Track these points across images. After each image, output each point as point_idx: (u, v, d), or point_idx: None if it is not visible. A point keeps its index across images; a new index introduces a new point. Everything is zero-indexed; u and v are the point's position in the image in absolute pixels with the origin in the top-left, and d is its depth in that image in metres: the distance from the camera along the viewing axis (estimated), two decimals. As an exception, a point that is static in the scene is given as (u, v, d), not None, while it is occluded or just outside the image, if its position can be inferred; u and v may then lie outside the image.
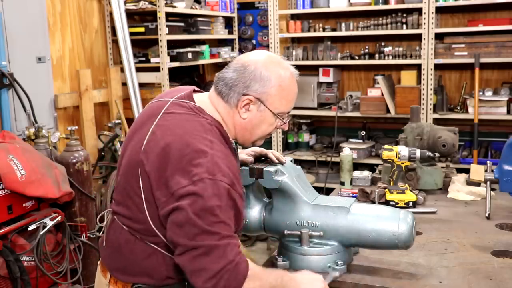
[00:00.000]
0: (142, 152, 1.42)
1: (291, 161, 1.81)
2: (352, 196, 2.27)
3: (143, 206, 1.41)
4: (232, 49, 5.34)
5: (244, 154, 1.79)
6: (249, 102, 1.48)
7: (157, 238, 1.43)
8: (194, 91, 1.58)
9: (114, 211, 1.52)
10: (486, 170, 2.22)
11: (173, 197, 1.33)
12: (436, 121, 4.35)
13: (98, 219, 1.59)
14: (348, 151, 2.56)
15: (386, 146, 2.31)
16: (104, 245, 1.56)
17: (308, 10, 4.82)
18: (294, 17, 5.18)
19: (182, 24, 4.52)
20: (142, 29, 4.20)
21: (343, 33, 4.71)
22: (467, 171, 2.56)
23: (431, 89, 4.36)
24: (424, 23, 4.30)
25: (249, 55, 1.54)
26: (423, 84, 4.37)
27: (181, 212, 1.31)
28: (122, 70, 4.14)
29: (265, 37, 5.43)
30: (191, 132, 1.39)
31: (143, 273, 1.46)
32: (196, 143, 1.37)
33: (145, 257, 1.45)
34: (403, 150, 2.25)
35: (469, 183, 2.36)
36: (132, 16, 4.44)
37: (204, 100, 1.54)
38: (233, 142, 1.57)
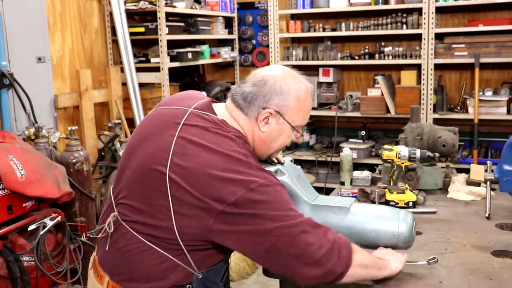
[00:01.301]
0: (171, 167, 1.38)
1: (291, 161, 1.81)
2: (352, 196, 2.27)
3: (171, 217, 1.38)
4: (232, 49, 5.34)
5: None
6: (269, 116, 1.50)
7: (176, 246, 1.41)
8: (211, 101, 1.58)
9: (126, 218, 1.48)
10: (486, 170, 2.22)
11: (233, 206, 1.33)
12: (436, 121, 4.36)
13: (106, 222, 1.54)
14: (348, 151, 2.56)
15: (386, 146, 2.31)
16: (106, 249, 1.52)
17: (308, 10, 4.82)
18: (294, 17, 5.19)
19: (182, 24, 4.52)
20: (142, 29, 4.20)
21: (343, 33, 4.71)
22: (467, 171, 2.55)
23: (431, 89, 4.37)
24: (424, 23, 4.30)
25: (266, 70, 1.56)
26: (423, 84, 4.37)
27: (254, 214, 1.33)
28: (122, 70, 4.15)
29: (265, 37, 5.43)
30: (226, 147, 1.40)
31: (151, 279, 1.45)
32: (237, 155, 1.39)
33: (156, 264, 1.44)
34: (403, 150, 2.25)
35: (469, 183, 2.36)
36: (132, 16, 4.44)
37: (224, 112, 1.54)
38: None
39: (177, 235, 1.39)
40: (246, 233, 1.35)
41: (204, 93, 1.75)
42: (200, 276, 1.47)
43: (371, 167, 4.26)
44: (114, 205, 1.53)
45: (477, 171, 2.26)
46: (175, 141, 1.42)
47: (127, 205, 1.48)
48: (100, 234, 1.54)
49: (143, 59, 4.28)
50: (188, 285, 1.46)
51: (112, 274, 1.50)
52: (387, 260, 1.56)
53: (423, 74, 4.36)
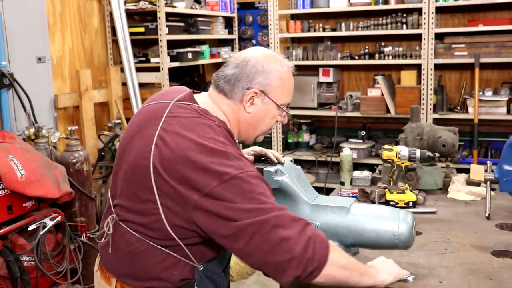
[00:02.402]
0: (153, 159, 1.39)
1: (291, 161, 1.81)
2: (352, 196, 2.27)
3: (159, 211, 1.38)
4: (232, 49, 5.34)
5: (244, 154, 1.78)
6: (254, 95, 1.51)
7: (173, 241, 1.41)
8: (193, 92, 1.58)
9: (122, 218, 1.48)
10: (486, 170, 2.22)
11: (208, 197, 1.31)
12: (436, 121, 4.36)
13: (104, 225, 1.54)
14: (348, 151, 2.56)
15: (386, 146, 2.31)
16: (109, 251, 1.51)
17: (308, 10, 4.82)
18: (294, 17, 5.19)
19: (182, 24, 4.52)
20: (142, 29, 4.20)
21: (343, 33, 4.71)
22: (467, 171, 2.55)
23: (431, 89, 4.37)
24: (424, 23, 4.30)
25: (246, 52, 1.57)
26: (423, 84, 4.37)
27: (227, 207, 1.29)
28: (122, 70, 4.15)
29: (265, 37, 5.43)
30: (203, 135, 1.39)
31: (156, 278, 1.45)
32: (212, 145, 1.37)
33: (158, 261, 1.44)
34: (403, 150, 2.25)
35: (469, 183, 2.36)
36: (132, 16, 4.44)
37: (206, 100, 1.53)
38: (237, 142, 1.58)
39: (169, 229, 1.39)
40: (223, 228, 1.32)
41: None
42: (201, 268, 1.47)
43: (371, 167, 4.26)
44: (112, 207, 1.53)
45: (477, 171, 2.26)
46: (157, 133, 1.42)
47: (122, 205, 1.49)
48: (103, 239, 1.54)
49: (143, 59, 4.29)
50: (194, 279, 1.47)
51: (118, 275, 1.50)
52: (373, 268, 1.50)
53: (423, 74, 4.36)
